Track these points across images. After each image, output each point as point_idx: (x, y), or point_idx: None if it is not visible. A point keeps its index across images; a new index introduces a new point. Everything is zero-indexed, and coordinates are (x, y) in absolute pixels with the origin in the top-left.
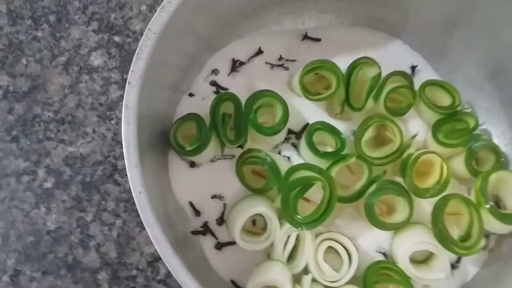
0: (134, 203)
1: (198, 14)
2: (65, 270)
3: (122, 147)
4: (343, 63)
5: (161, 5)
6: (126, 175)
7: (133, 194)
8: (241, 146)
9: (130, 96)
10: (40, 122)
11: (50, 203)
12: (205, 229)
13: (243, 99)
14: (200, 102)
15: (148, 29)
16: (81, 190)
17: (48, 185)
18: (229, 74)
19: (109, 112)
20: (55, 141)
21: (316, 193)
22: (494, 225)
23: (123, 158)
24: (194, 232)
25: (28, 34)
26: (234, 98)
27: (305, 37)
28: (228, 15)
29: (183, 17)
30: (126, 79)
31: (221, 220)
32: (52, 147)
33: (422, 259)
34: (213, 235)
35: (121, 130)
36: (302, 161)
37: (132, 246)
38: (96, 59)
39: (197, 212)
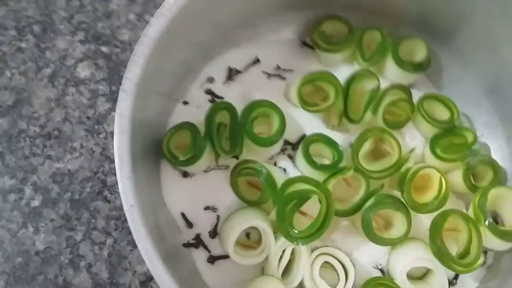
0: (125, 220)
1: (195, 22)
2: None
3: (111, 163)
4: (340, 73)
5: (158, 11)
6: (116, 192)
7: (124, 208)
8: (236, 157)
9: (125, 105)
10: (26, 138)
11: (38, 222)
12: (198, 242)
13: (239, 108)
14: (194, 111)
15: (145, 35)
16: (70, 208)
17: (35, 203)
18: (225, 82)
19: (97, 126)
20: (41, 157)
21: (312, 206)
22: (492, 242)
23: (113, 174)
24: (186, 245)
25: (12, 45)
26: (230, 108)
27: (303, 44)
28: (225, 24)
29: (180, 24)
30: (114, 91)
31: (214, 233)
32: (39, 164)
33: (419, 275)
34: (206, 248)
35: (110, 144)
36: (298, 173)
37: (124, 265)
38: (83, 71)
39: (189, 224)
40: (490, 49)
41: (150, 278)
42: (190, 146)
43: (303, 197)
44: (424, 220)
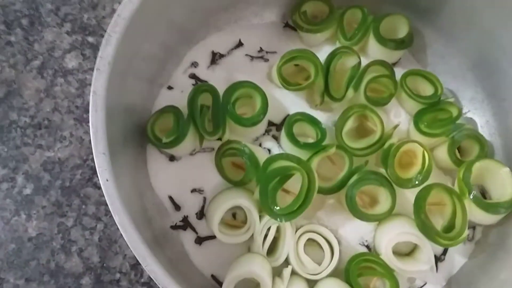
0: None
1: (171, 3)
2: (48, 277)
3: None
4: (323, 54)
5: None
6: None
7: (101, 182)
8: (220, 139)
9: (98, 83)
10: (17, 128)
11: (30, 209)
12: (185, 224)
13: (223, 92)
14: (179, 95)
15: (117, 14)
16: (61, 195)
17: (27, 191)
18: (209, 66)
19: (86, 114)
20: (32, 146)
21: (296, 185)
22: (479, 215)
23: None
24: (174, 227)
25: (1, 39)
26: (212, 89)
27: (286, 25)
28: (206, 7)
29: (154, 4)
30: None
31: (201, 214)
32: (30, 153)
33: (407, 252)
34: (193, 229)
35: None
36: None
37: (114, 249)
38: (71, 61)
39: (177, 207)
40: (473, 25)
41: None
42: (173, 128)
43: (285, 174)
44: (410, 197)
